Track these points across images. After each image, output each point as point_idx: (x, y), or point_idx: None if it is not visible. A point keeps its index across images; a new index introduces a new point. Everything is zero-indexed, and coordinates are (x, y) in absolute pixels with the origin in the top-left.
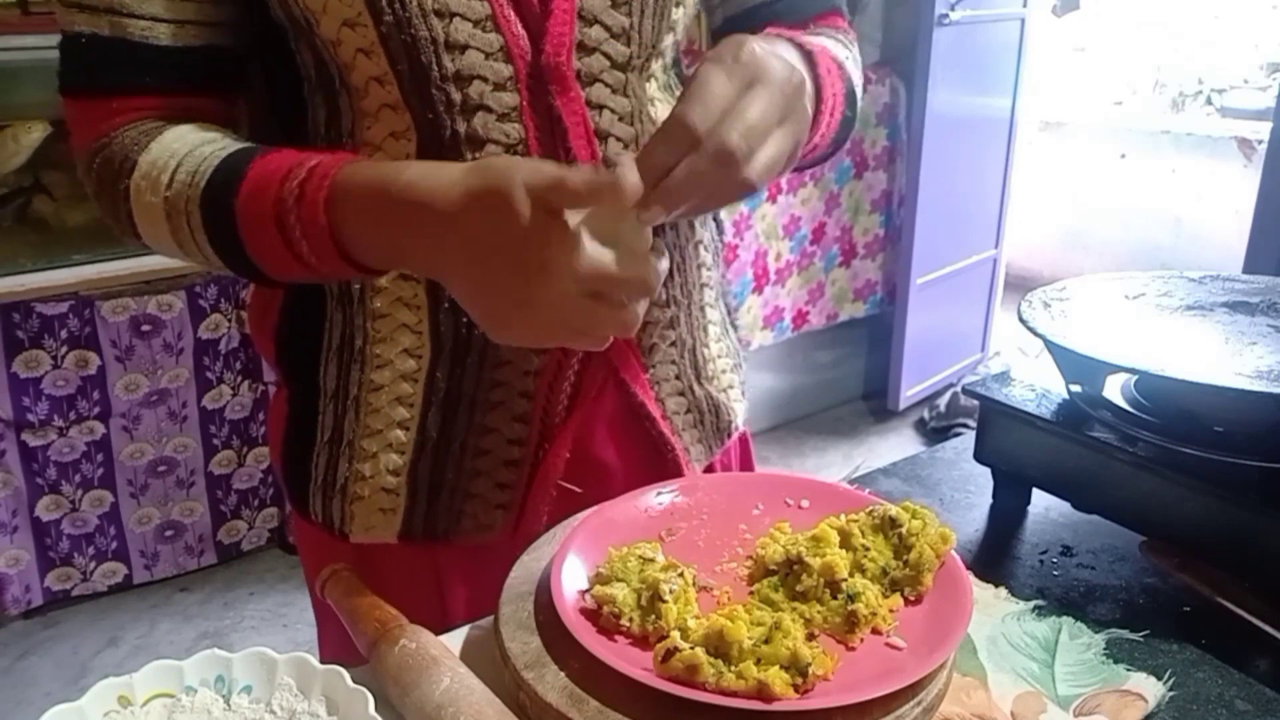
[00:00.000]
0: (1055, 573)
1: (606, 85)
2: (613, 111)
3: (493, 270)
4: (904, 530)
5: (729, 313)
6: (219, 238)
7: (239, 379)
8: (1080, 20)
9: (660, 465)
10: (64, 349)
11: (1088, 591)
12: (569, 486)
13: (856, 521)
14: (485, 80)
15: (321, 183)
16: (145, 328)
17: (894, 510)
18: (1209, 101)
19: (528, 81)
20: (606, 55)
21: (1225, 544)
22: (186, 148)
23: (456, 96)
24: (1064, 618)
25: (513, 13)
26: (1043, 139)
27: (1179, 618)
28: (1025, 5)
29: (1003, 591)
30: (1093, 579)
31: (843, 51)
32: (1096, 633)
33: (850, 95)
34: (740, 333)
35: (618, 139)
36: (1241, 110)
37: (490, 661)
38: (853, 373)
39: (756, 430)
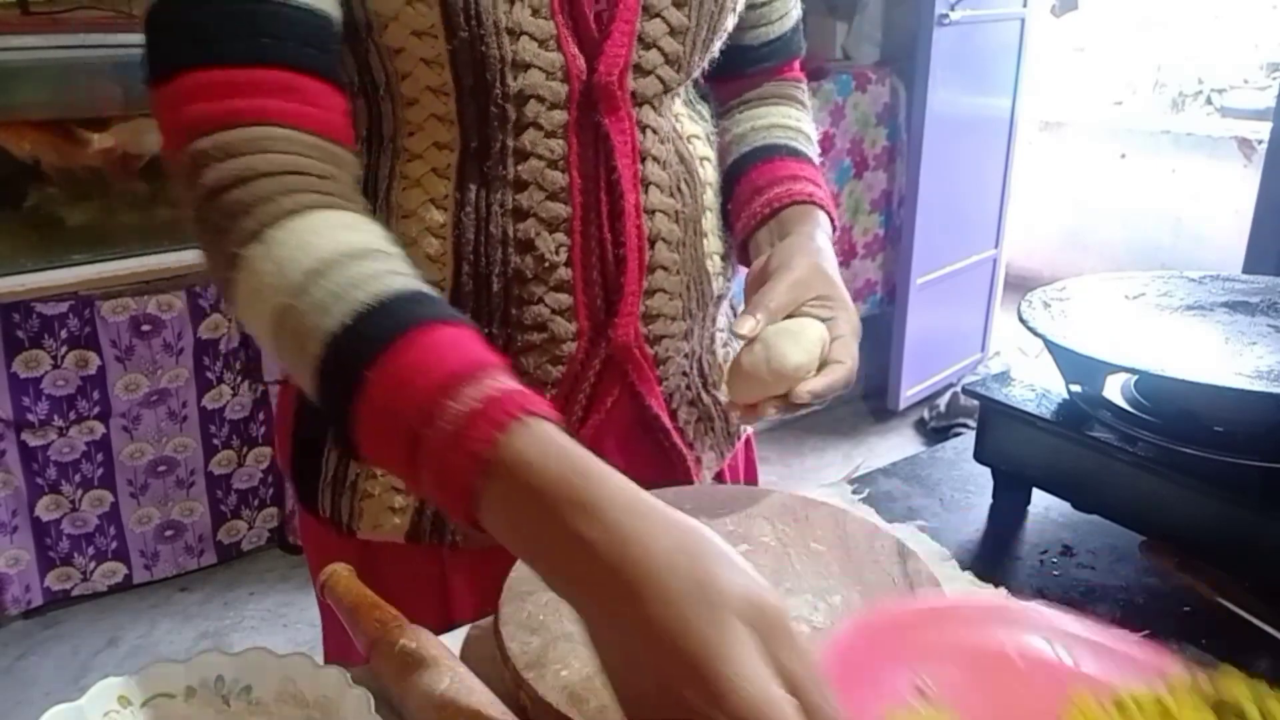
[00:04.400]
0: (1055, 573)
1: (653, 106)
2: (655, 132)
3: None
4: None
5: (735, 315)
6: (329, 403)
7: (239, 379)
8: (1080, 20)
9: (671, 476)
10: (64, 349)
11: (1088, 591)
12: None
13: (1175, 694)
14: (542, 100)
15: (492, 436)
16: (145, 328)
17: (1233, 686)
18: (1209, 101)
19: (579, 100)
20: (660, 79)
21: (1225, 544)
22: (324, 262)
23: (512, 114)
24: None
25: (570, 33)
26: (1043, 139)
27: (1179, 618)
28: (1025, 5)
29: (1002, 591)
30: (1093, 579)
31: (809, 127)
32: None
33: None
34: None
35: (655, 159)
36: (1241, 110)
37: (490, 661)
38: None
39: (757, 430)
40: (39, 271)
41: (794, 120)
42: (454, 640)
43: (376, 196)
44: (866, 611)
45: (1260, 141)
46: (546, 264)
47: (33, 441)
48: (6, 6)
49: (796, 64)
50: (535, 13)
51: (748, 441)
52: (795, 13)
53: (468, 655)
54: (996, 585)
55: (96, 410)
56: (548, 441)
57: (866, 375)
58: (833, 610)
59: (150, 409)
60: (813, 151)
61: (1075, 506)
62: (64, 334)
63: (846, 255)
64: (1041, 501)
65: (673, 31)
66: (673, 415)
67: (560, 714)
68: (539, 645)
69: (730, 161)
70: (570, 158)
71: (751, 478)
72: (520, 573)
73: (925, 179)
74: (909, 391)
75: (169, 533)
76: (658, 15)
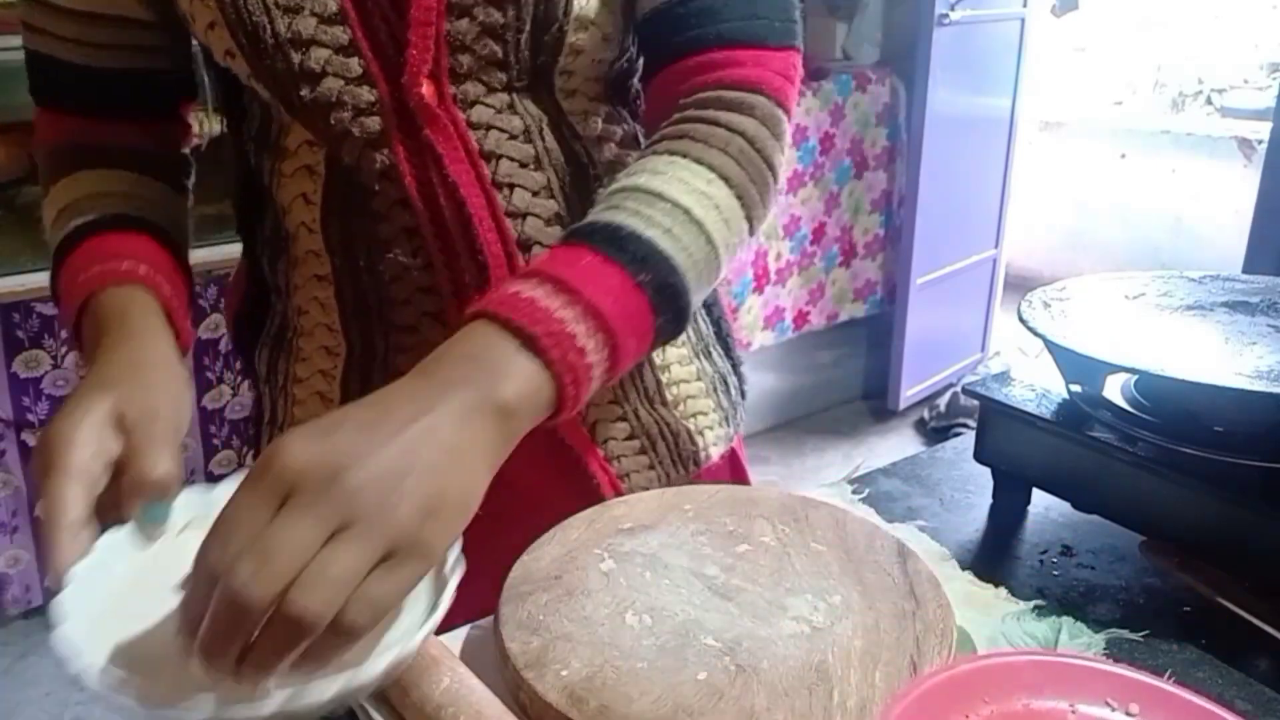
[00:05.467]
0: (1055, 573)
1: (489, 106)
2: (501, 131)
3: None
4: None
5: (719, 332)
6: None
7: (239, 379)
8: (1080, 20)
9: (583, 489)
10: (64, 349)
11: (1088, 591)
12: None
13: None
14: (345, 106)
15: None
16: None
17: None
18: (1209, 101)
19: (394, 106)
20: (482, 81)
21: (1225, 544)
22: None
23: (321, 124)
24: (1064, 618)
25: (376, 39)
26: (1043, 139)
27: (1179, 618)
28: (1025, 5)
29: (1003, 591)
30: (1093, 579)
31: (684, 189)
32: (1096, 633)
33: (665, 293)
34: (741, 334)
35: (510, 159)
36: (1241, 110)
37: (490, 661)
38: (853, 373)
39: (757, 430)
40: (39, 271)
41: (646, 180)
42: (454, 640)
43: (264, 194)
44: (920, 676)
45: (1260, 141)
46: (405, 267)
47: (33, 441)
48: (6, 6)
49: (755, 53)
50: (324, 20)
51: (733, 456)
52: None
53: (468, 655)
54: (997, 585)
55: None
56: (110, 300)
57: (866, 375)
58: (833, 610)
59: None
60: (649, 221)
61: (1075, 506)
62: (64, 334)
63: (847, 255)
64: (1041, 501)
65: (487, 30)
66: (589, 428)
67: (560, 714)
68: (539, 645)
69: None
70: (400, 166)
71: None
72: (520, 572)
73: (925, 179)
74: (909, 391)
75: None
76: (466, 15)
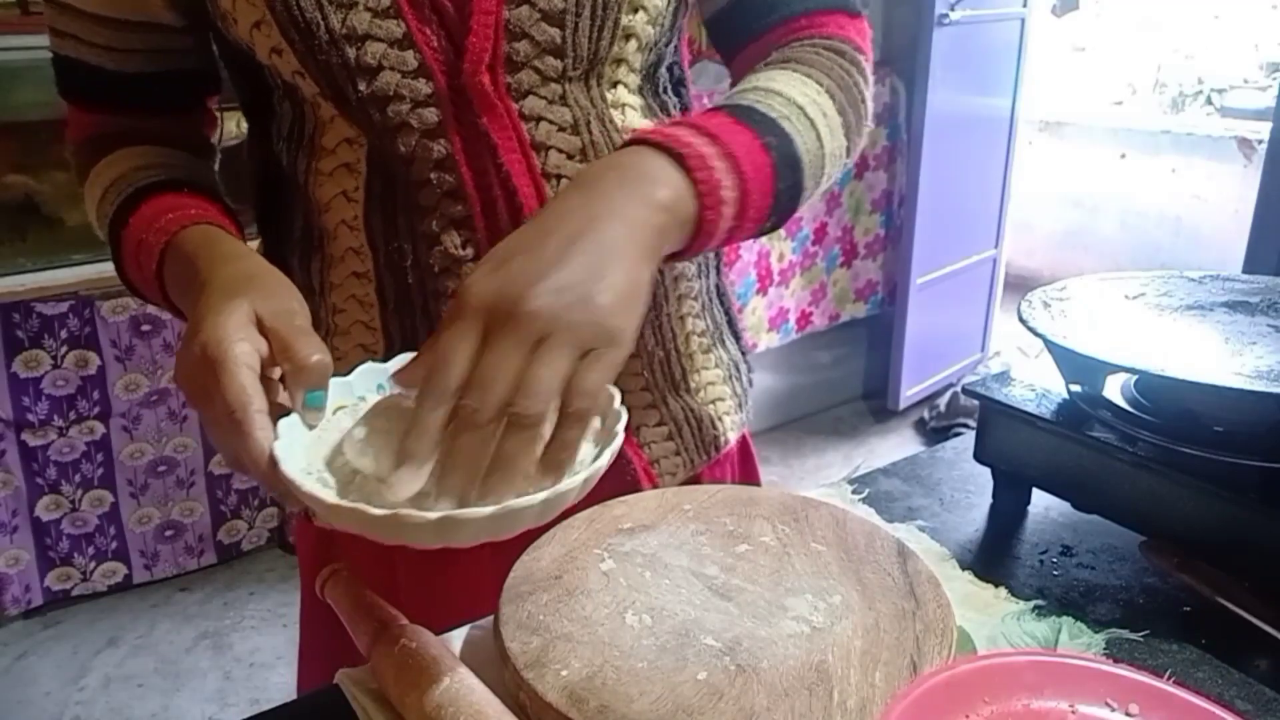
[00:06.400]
0: (1055, 573)
1: (542, 98)
2: (551, 123)
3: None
4: None
5: (730, 321)
6: (114, 256)
7: None
8: (1080, 20)
9: (619, 477)
10: (64, 349)
11: (1088, 591)
12: None
13: None
14: (404, 99)
15: (160, 238)
16: (145, 327)
17: None
18: (1209, 101)
19: (450, 97)
20: (537, 70)
21: (1225, 544)
22: (108, 181)
23: (377, 117)
24: (1064, 618)
25: (430, 30)
26: (1043, 139)
27: (1179, 618)
28: (1025, 5)
29: (1003, 591)
30: (1093, 579)
31: (798, 92)
32: (1096, 633)
33: (786, 161)
34: (745, 335)
35: (559, 150)
36: (1241, 110)
37: (490, 661)
38: (853, 373)
39: (757, 430)
40: (39, 271)
41: (764, 80)
42: (454, 640)
43: (296, 194)
44: (920, 676)
45: (1260, 141)
46: (454, 258)
47: (33, 441)
48: (6, 6)
49: (836, 17)
50: (378, 14)
51: (744, 447)
52: None
53: (468, 655)
54: (997, 585)
55: (96, 410)
56: (196, 234)
57: (867, 375)
58: (833, 610)
59: (150, 409)
60: (770, 107)
61: (1075, 506)
62: (64, 334)
63: (848, 255)
64: (1041, 501)
65: (546, 17)
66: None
67: (560, 714)
68: (539, 645)
69: None
70: (456, 156)
71: (751, 480)
72: (520, 572)
73: (925, 179)
74: (909, 391)
75: (169, 533)
76: (526, 1)
